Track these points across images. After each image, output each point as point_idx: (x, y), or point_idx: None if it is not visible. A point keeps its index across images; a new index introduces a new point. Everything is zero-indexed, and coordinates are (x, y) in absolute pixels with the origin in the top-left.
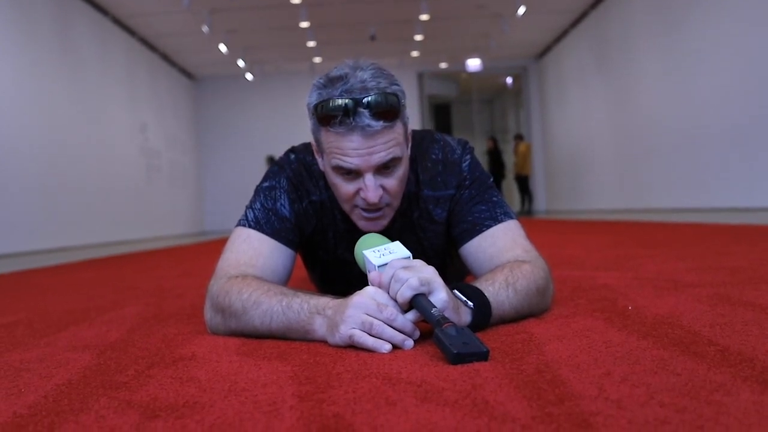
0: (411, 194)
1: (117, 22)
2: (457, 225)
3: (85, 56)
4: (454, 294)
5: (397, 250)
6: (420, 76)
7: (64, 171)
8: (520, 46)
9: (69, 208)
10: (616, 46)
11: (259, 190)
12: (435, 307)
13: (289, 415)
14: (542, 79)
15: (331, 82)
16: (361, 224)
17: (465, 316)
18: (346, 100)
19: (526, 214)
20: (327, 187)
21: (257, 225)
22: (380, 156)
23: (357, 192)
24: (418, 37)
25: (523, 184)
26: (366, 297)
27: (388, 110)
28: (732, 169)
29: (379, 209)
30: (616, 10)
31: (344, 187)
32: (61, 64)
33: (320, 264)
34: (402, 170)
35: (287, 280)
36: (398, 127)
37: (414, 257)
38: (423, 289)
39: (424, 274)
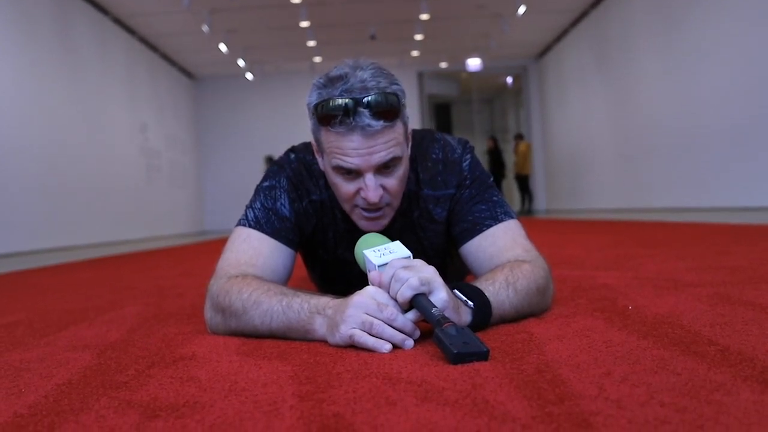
0: (411, 194)
1: (117, 21)
2: (457, 224)
3: (85, 56)
4: (455, 293)
5: (398, 249)
6: (420, 76)
7: (64, 171)
8: (520, 45)
9: (69, 208)
10: (616, 46)
11: (259, 189)
12: (435, 306)
13: (289, 414)
14: (542, 79)
15: (331, 81)
16: (362, 224)
17: (465, 316)
18: (346, 100)
19: (526, 214)
20: (327, 186)
21: (257, 224)
22: (380, 156)
23: (357, 192)
24: (418, 37)
25: (523, 183)
26: (366, 297)
27: (388, 110)
28: (732, 169)
29: (379, 209)
30: (616, 10)
31: (344, 187)
32: (61, 64)
33: (320, 264)
34: (402, 170)
35: (287, 280)
36: (398, 126)
37: (414, 257)
38: (423, 289)
39: (425, 274)
